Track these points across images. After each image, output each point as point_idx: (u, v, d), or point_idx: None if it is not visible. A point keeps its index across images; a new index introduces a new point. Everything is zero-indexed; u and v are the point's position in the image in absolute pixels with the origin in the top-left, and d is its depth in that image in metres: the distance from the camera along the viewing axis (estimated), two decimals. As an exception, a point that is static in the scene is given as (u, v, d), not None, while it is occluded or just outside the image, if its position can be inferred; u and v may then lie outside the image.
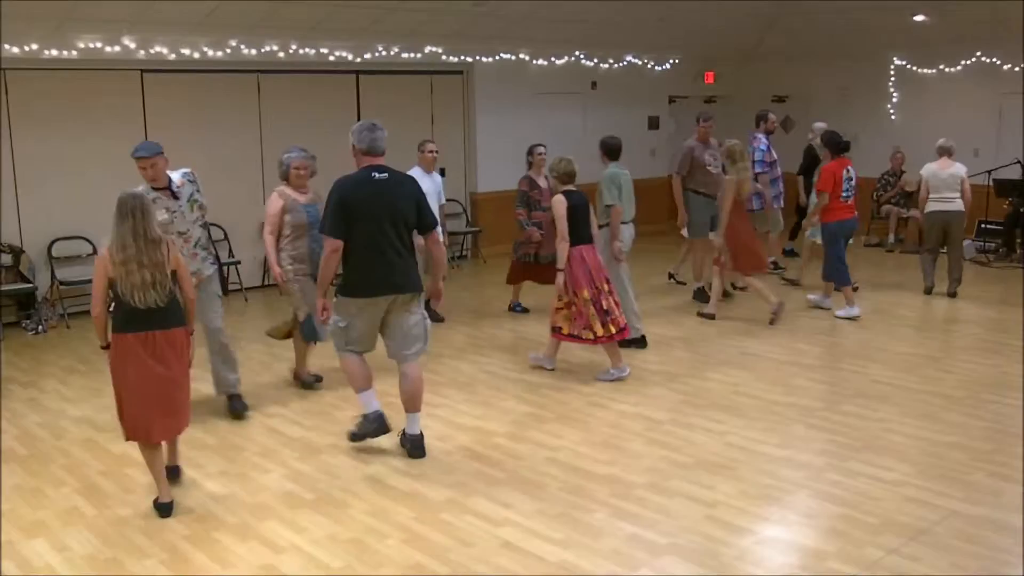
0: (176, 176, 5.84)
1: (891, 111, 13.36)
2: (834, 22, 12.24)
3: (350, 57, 10.74)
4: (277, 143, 10.50)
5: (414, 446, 5.44)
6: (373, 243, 5.14)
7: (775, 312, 8.39)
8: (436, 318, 8.36)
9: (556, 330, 6.90)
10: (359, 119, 11.16)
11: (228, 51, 9.78)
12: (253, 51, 9.93)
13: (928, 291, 9.61)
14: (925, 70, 13.03)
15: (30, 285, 8.77)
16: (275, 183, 6.85)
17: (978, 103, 12.38)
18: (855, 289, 8.97)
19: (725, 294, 9.13)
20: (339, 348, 5.45)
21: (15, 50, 8.59)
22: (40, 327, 8.66)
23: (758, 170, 9.79)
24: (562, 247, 6.69)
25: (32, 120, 8.97)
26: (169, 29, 9.22)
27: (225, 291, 6.12)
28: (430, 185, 8.01)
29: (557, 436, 5.74)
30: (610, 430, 5.84)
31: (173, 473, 5.06)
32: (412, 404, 5.46)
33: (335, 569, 4.14)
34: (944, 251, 9.59)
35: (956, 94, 12.66)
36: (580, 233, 6.76)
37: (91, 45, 8.97)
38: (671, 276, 10.33)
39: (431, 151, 8.52)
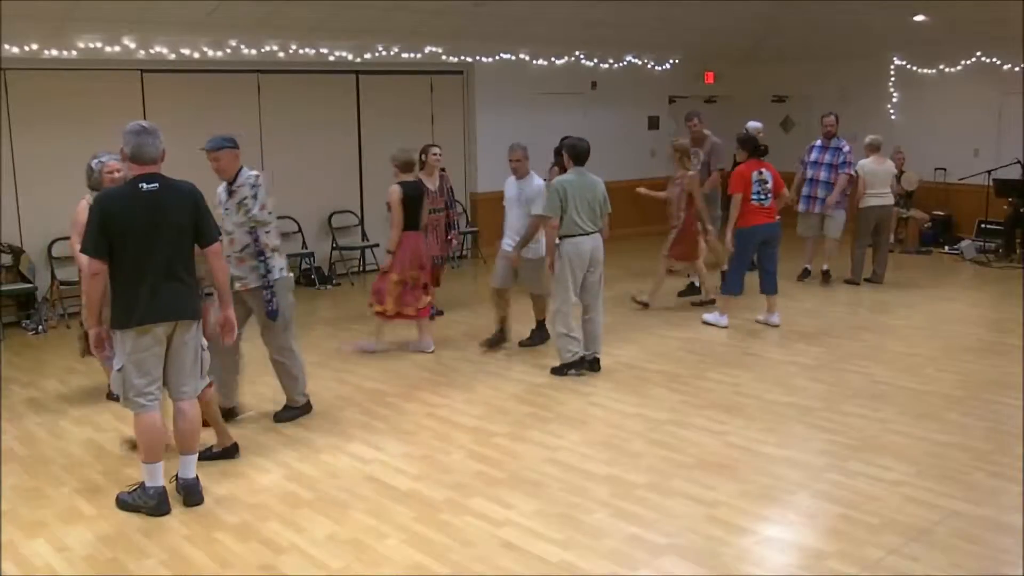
0: (245, 175, 5.82)
1: (891, 111, 13.36)
2: (834, 22, 12.24)
3: (350, 57, 10.74)
4: (277, 143, 10.54)
5: (189, 492, 4.80)
6: (140, 264, 4.52)
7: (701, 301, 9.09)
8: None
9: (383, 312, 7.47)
10: (359, 119, 11.33)
11: (228, 51, 9.78)
12: (253, 51, 9.93)
13: (855, 282, 10.10)
14: (925, 70, 13.02)
15: (30, 285, 8.77)
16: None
17: (978, 103, 12.38)
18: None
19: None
20: (128, 402, 4.64)
21: (15, 50, 8.60)
22: (40, 327, 8.66)
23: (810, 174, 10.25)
24: (395, 233, 7.36)
25: (32, 120, 8.97)
26: (169, 29, 9.23)
27: (272, 316, 5.83)
28: (514, 192, 7.45)
29: (557, 436, 5.74)
30: (610, 430, 5.84)
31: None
32: (187, 445, 4.82)
33: (335, 569, 4.14)
34: (871, 244, 10.20)
35: (956, 94, 12.67)
36: (412, 221, 7.43)
37: (91, 45, 8.97)
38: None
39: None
